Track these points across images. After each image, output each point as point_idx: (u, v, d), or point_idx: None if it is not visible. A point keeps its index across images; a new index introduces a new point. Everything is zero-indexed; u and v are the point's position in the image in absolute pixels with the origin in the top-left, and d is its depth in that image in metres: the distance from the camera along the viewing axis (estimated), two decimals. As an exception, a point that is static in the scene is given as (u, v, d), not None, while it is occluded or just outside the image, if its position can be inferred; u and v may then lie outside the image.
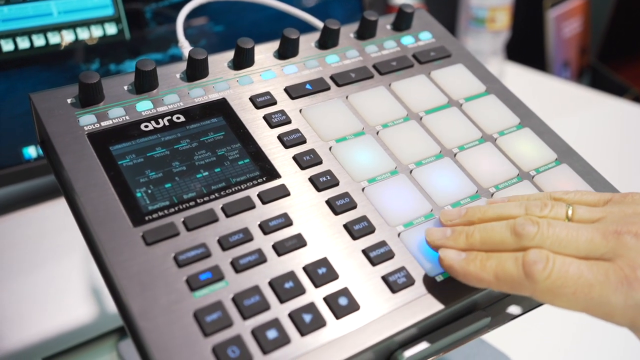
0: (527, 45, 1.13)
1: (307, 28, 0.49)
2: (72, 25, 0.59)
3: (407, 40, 0.49)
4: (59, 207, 0.63)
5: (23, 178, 0.60)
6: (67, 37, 0.59)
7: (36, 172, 0.60)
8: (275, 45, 0.45)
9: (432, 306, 0.34)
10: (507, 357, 0.54)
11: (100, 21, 0.60)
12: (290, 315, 0.32)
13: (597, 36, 1.28)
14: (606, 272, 0.31)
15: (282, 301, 0.32)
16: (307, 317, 0.32)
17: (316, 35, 0.47)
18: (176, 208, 0.35)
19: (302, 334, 0.31)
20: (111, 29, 0.61)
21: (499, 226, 0.34)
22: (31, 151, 0.60)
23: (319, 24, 0.49)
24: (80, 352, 0.55)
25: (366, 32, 0.48)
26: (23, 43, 0.57)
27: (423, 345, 0.34)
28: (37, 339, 0.53)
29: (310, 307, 0.32)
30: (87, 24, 0.60)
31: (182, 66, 0.43)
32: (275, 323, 0.31)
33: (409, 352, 0.34)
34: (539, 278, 0.31)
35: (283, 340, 0.31)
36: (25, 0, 0.56)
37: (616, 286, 0.30)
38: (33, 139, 0.60)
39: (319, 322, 0.32)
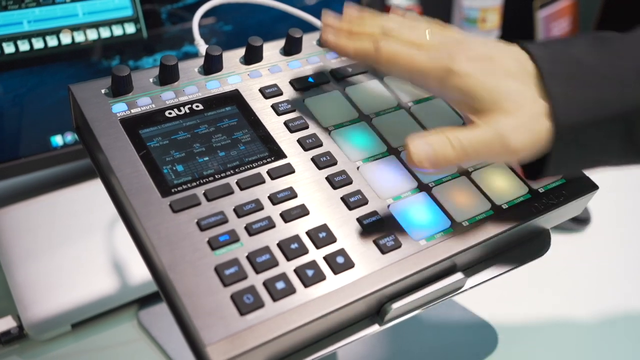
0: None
1: (309, 28, 0.55)
2: (96, 25, 0.65)
3: (399, 39, 0.54)
4: (84, 191, 0.68)
5: (51, 164, 0.65)
6: (91, 35, 0.65)
7: (63, 159, 0.66)
8: (281, 43, 0.51)
9: (415, 265, 0.39)
10: (491, 325, 0.60)
11: (121, 21, 0.66)
12: (296, 271, 0.38)
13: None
14: (426, 51, 0.41)
15: (288, 259, 0.38)
16: (310, 272, 0.38)
17: (317, 34, 0.52)
18: (197, 182, 0.41)
19: (306, 285, 0.37)
20: (130, 29, 0.67)
21: (370, 20, 0.45)
22: (58, 139, 0.65)
23: (320, 24, 0.54)
24: (105, 319, 0.61)
25: (362, 31, 0.53)
26: (52, 41, 0.63)
27: (409, 299, 0.40)
28: (67, 307, 0.58)
29: (313, 264, 0.38)
30: (108, 23, 0.65)
31: (199, 61, 0.48)
32: (283, 276, 0.37)
33: (396, 305, 0.40)
34: (382, 50, 0.42)
35: (290, 290, 0.37)
36: (54, 2, 0.62)
37: (436, 54, 0.41)
38: (60, 128, 0.65)
39: (319, 276, 0.38)
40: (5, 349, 0.58)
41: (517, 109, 0.39)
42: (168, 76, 0.46)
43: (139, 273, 0.61)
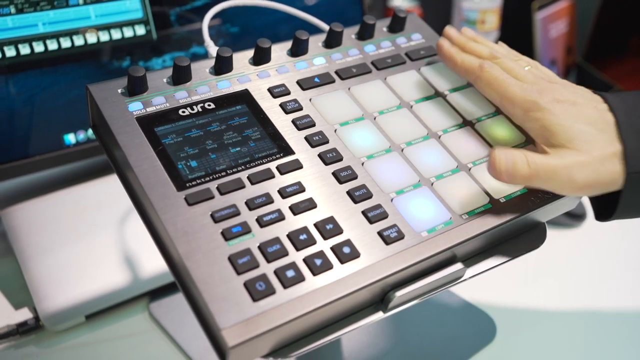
0: (516, 45, 1.20)
1: (315, 30, 0.57)
2: (107, 27, 0.67)
3: (401, 40, 0.56)
4: (97, 187, 0.70)
5: (64, 161, 0.68)
6: (103, 37, 0.67)
7: (75, 157, 0.68)
8: (288, 45, 0.53)
9: (417, 255, 0.42)
10: (490, 316, 0.62)
11: (131, 23, 0.68)
12: (305, 260, 0.40)
13: (583, 37, 1.35)
14: (521, 83, 0.47)
15: (297, 249, 0.40)
16: (318, 261, 0.40)
17: (322, 37, 0.54)
18: (210, 177, 0.43)
19: (314, 274, 0.39)
20: (140, 30, 0.69)
21: (482, 43, 0.52)
22: (71, 138, 0.68)
23: (325, 27, 0.56)
24: (117, 311, 0.63)
25: (365, 33, 0.55)
26: (65, 42, 0.65)
27: (411, 288, 0.42)
28: (81, 299, 0.60)
29: (320, 254, 0.40)
30: (119, 25, 0.68)
31: (210, 62, 0.50)
32: (292, 265, 0.39)
33: (400, 293, 0.42)
34: (484, 71, 0.48)
35: (299, 278, 0.39)
36: (68, 5, 0.64)
37: (528, 87, 0.46)
38: (73, 127, 0.67)
39: (327, 266, 0.40)
40: (22, 339, 0.60)
41: (588, 150, 0.43)
42: (181, 76, 0.48)
43: (150, 267, 0.63)
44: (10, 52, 0.62)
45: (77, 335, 0.60)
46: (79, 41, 0.66)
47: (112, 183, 0.70)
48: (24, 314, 0.60)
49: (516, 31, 1.18)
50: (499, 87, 0.47)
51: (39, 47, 0.64)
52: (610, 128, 0.44)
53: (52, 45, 0.64)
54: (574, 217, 0.75)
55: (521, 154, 0.43)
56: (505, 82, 0.47)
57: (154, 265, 0.63)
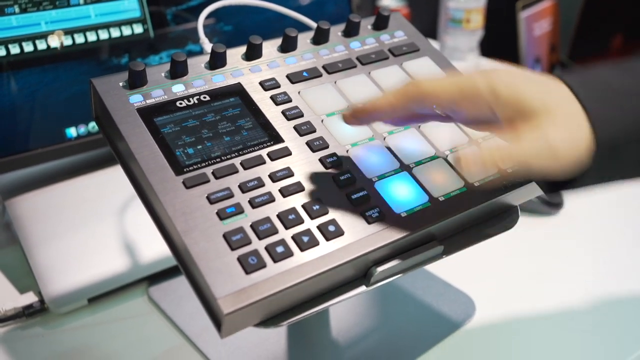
0: (501, 44, 1.25)
1: (304, 27, 0.60)
2: (106, 26, 0.70)
3: (384, 37, 0.60)
4: (98, 178, 0.73)
5: (65, 154, 0.71)
6: (102, 35, 0.70)
7: (76, 149, 0.71)
8: (278, 41, 0.56)
9: (397, 233, 0.45)
10: (469, 296, 0.66)
11: (129, 22, 0.72)
12: (293, 237, 0.43)
13: (567, 35, 1.39)
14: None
15: (286, 228, 0.44)
16: (305, 238, 0.43)
17: (311, 34, 0.58)
18: (206, 163, 0.46)
19: (302, 250, 0.43)
20: (138, 29, 0.72)
21: None
22: (72, 131, 0.71)
23: (313, 24, 0.59)
24: (118, 294, 0.66)
25: (351, 30, 0.59)
26: (66, 40, 0.68)
27: (392, 264, 0.46)
28: (83, 283, 0.63)
29: (308, 232, 0.44)
30: (118, 24, 0.71)
31: (205, 58, 0.54)
32: (282, 242, 0.43)
33: (380, 268, 0.46)
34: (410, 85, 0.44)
35: (288, 253, 0.42)
36: (69, 4, 0.68)
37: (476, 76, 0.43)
38: (74, 120, 0.70)
39: (314, 242, 0.43)
40: (28, 320, 0.63)
41: (563, 112, 0.41)
42: (178, 71, 0.51)
43: (149, 253, 0.67)
44: (14, 49, 0.66)
45: (80, 317, 0.64)
46: (79, 39, 0.69)
47: (112, 174, 0.74)
48: (30, 298, 0.64)
49: (501, 30, 1.22)
50: (448, 86, 0.43)
51: (41, 45, 0.67)
52: (565, 91, 0.42)
53: (54, 42, 0.68)
54: (552, 205, 0.78)
55: (487, 152, 0.41)
56: (436, 82, 0.44)
57: (152, 251, 0.67)
